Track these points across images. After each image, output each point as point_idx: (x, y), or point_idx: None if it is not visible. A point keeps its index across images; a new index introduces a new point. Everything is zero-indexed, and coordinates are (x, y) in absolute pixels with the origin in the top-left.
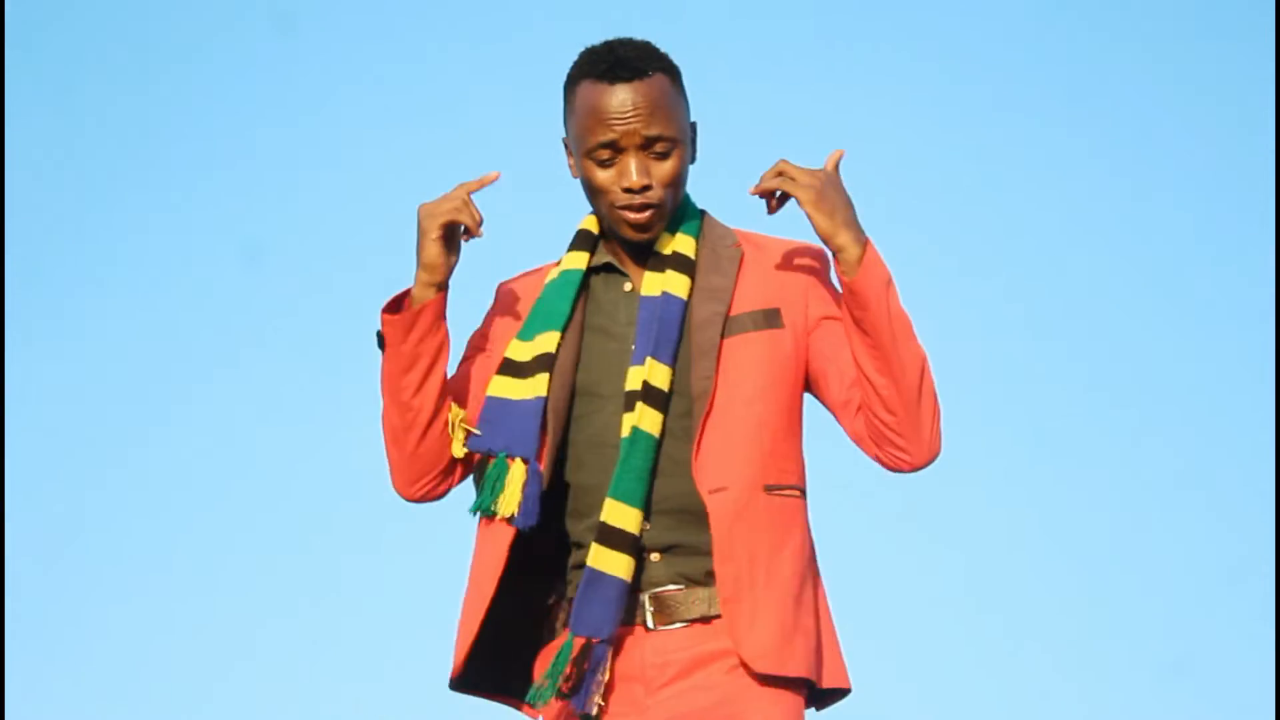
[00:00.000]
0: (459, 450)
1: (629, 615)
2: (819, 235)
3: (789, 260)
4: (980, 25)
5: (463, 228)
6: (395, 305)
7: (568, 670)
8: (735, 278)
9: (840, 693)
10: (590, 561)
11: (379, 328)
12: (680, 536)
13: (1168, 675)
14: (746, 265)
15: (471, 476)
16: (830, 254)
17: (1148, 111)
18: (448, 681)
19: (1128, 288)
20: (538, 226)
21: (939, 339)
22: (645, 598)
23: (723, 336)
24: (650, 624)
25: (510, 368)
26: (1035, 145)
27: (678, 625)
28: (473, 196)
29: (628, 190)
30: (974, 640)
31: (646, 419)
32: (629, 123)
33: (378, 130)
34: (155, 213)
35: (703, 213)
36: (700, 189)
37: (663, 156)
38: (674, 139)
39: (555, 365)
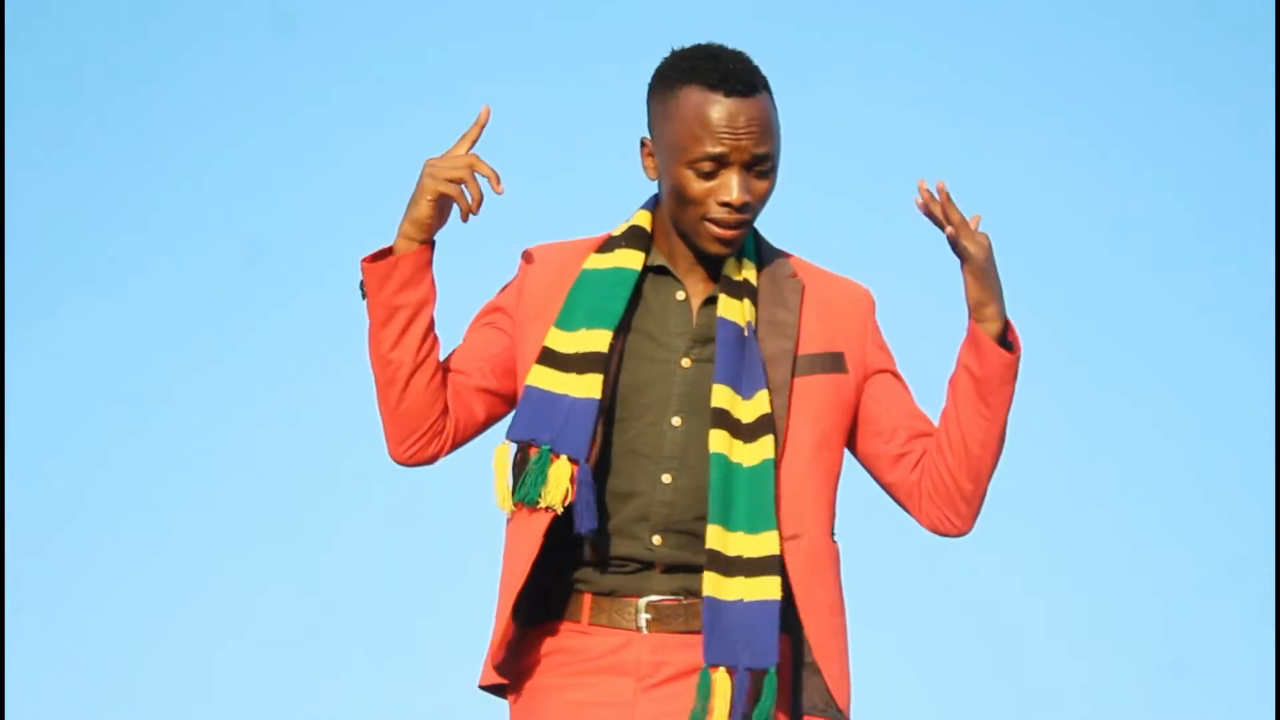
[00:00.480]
0: (506, 504)
1: (625, 617)
2: (969, 298)
3: (846, 301)
4: (980, 25)
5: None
6: (378, 256)
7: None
8: (799, 312)
9: None
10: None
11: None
12: (692, 558)
13: (1168, 675)
14: (806, 300)
15: (494, 464)
16: (972, 320)
17: (1147, 111)
18: (481, 683)
19: (1126, 287)
20: (538, 226)
21: (939, 338)
22: (642, 604)
23: (793, 375)
24: (645, 630)
25: (553, 359)
26: (1035, 144)
27: (675, 633)
28: (482, 156)
29: (726, 205)
30: (974, 640)
31: (755, 451)
32: (740, 139)
33: (377, 130)
34: (155, 213)
35: (755, 229)
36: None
37: (763, 176)
38: (776, 161)
39: (609, 362)
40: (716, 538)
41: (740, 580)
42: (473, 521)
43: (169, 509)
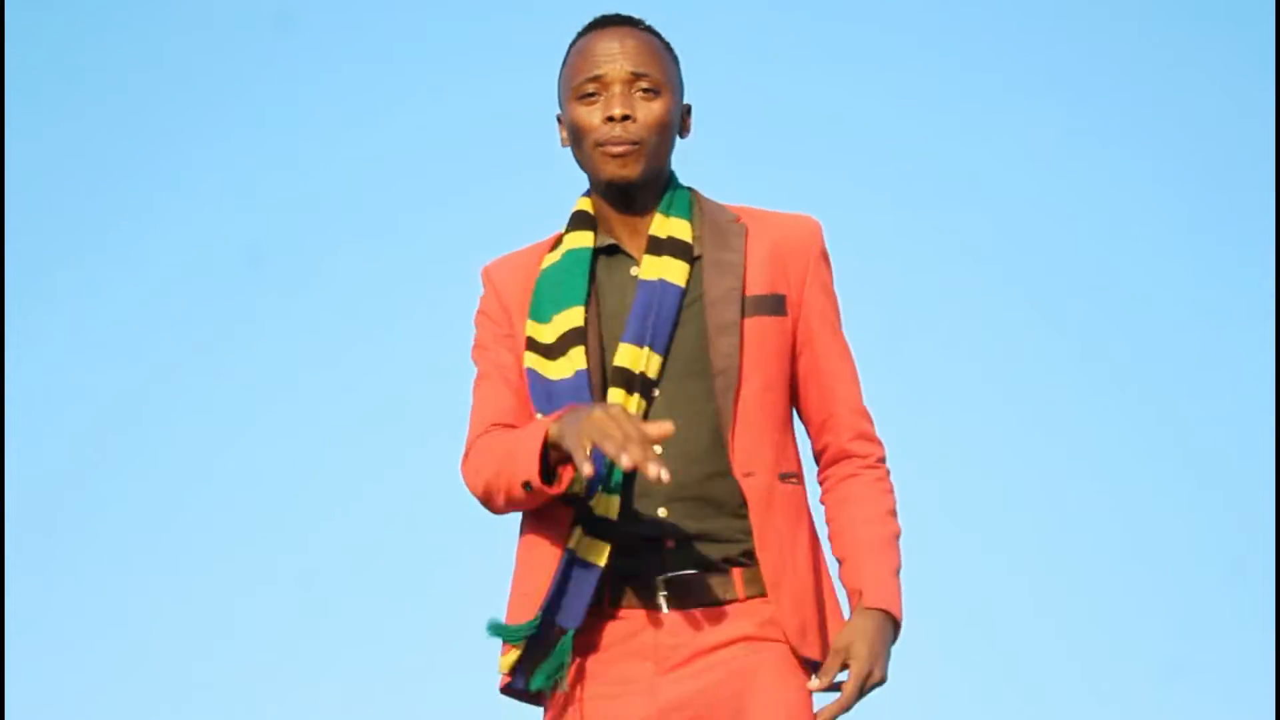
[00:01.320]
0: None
1: (647, 598)
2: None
3: (790, 237)
4: (980, 24)
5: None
6: (547, 473)
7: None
8: (744, 252)
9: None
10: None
11: (529, 478)
12: (700, 525)
13: (1168, 675)
14: (751, 239)
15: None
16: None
17: (1147, 109)
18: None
19: (1125, 286)
20: (536, 221)
21: (939, 336)
22: (659, 581)
23: (743, 316)
24: (665, 608)
25: (537, 347)
26: (1036, 143)
27: (694, 609)
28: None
29: (609, 119)
30: (974, 640)
31: (631, 405)
32: (615, 59)
33: (377, 130)
34: (155, 212)
35: (691, 190)
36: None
37: (649, 94)
38: (661, 81)
39: (588, 340)
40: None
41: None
42: (472, 522)
43: (168, 509)
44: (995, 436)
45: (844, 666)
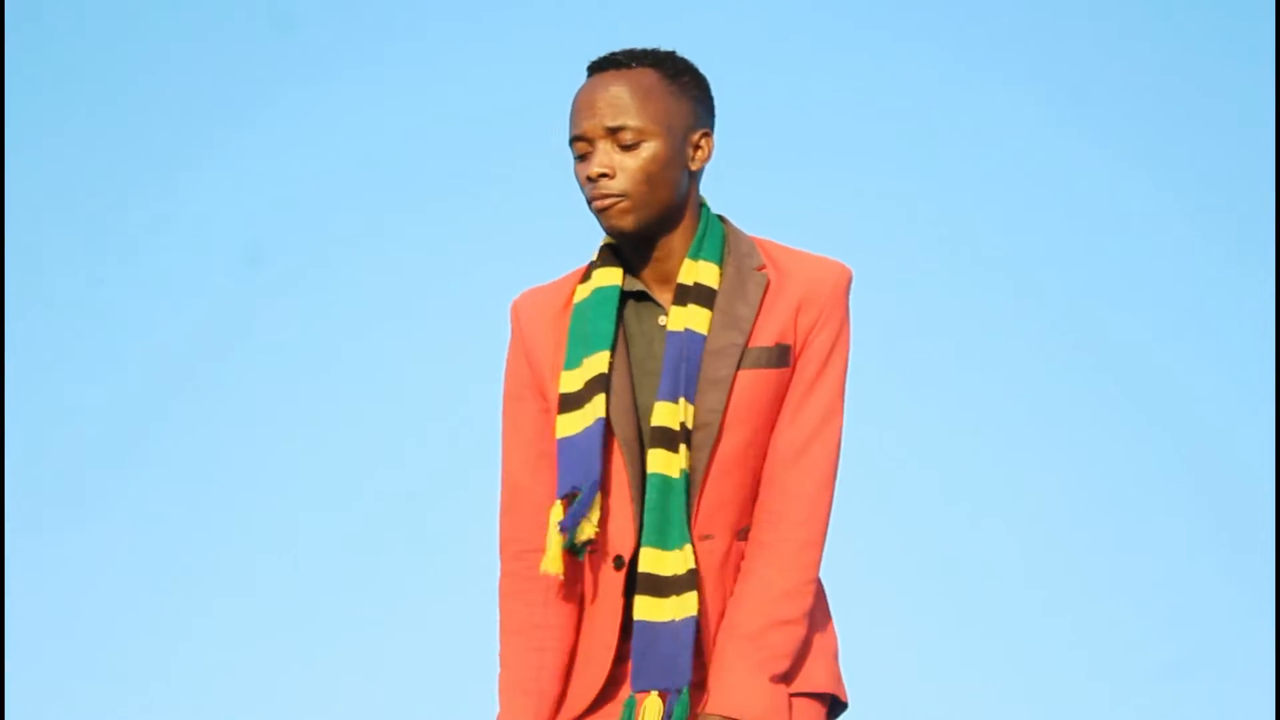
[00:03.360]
0: (555, 565)
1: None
2: None
3: (811, 285)
4: (979, 23)
5: None
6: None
7: None
8: (759, 306)
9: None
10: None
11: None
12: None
13: (1168, 675)
14: (771, 292)
15: (549, 530)
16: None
17: (1145, 108)
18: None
19: (1125, 284)
20: (536, 221)
21: (939, 332)
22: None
23: (738, 368)
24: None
25: (568, 403)
26: (1035, 142)
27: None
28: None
29: (589, 179)
30: (974, 640)
31: (674, 462)
32: (594, 115)
33: (377, 129)
34: (153, 213)
35: (723, 224)
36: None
37: (629, 148)
38: (641, 129)
39: (612, 384)
40: (651, 560)
41: (673, 600)
42: (472, 523)
43: (168, 509)
44: (993, 434)
45: None
